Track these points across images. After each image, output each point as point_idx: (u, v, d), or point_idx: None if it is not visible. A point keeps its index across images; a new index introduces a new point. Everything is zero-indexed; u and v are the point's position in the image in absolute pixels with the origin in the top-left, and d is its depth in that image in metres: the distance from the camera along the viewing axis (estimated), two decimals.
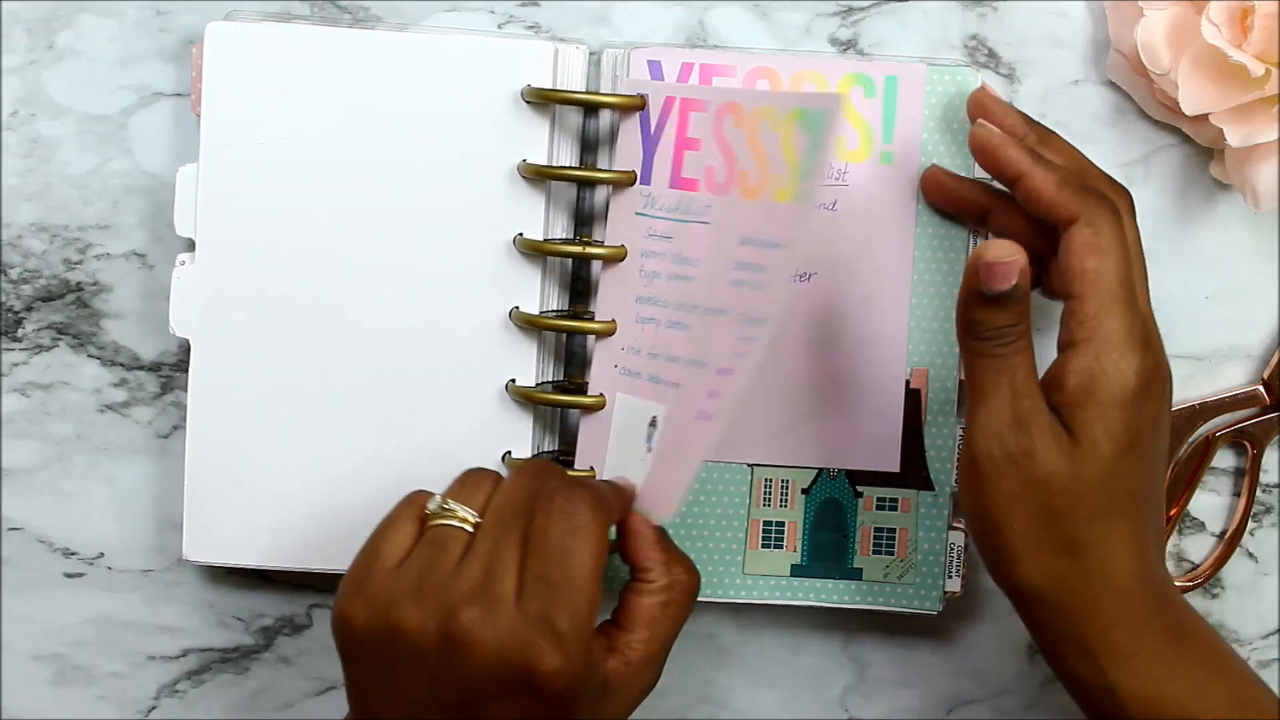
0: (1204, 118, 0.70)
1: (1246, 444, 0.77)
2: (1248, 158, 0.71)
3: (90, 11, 0.74)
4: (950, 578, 0.73)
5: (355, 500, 0.72)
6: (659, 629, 0.63)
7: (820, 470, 0.72)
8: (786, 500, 0.73)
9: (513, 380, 0.72)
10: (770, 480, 0.72)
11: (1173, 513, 0.77)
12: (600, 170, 0.72)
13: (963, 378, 0.65)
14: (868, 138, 0.71)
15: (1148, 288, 0.65)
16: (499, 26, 0.74)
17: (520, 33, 0.74)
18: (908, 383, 0.72)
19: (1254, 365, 0.76)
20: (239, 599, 0.77)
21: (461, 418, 0.72)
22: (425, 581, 0.60)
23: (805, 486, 0.72)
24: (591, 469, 0.71)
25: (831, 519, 0.73)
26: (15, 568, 0.77)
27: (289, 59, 0.71)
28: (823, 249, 0.71)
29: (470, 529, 0.62)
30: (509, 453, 0.72)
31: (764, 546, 0.73)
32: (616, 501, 0.65)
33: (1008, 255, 0.60)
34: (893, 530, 0.73)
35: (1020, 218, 0.68)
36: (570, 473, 0.69)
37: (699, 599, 0.72)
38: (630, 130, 0.69)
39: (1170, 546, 0.78)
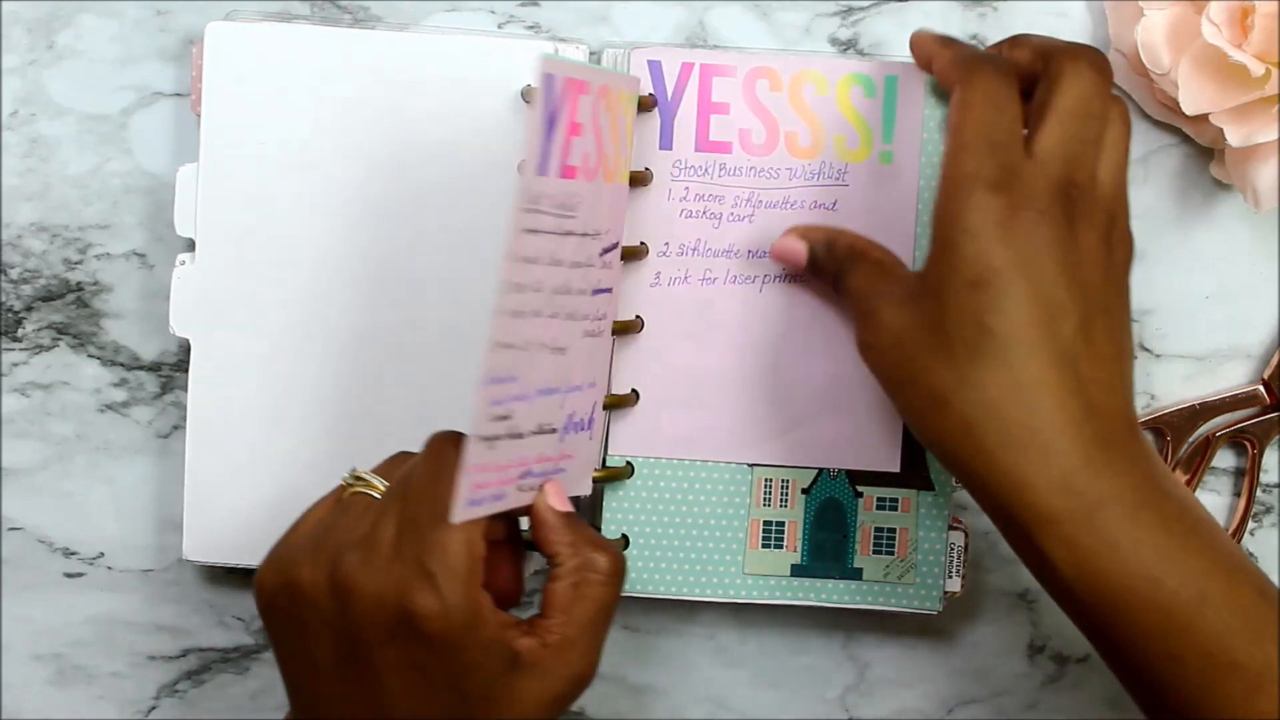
0: (1204, 118, 0.70)
1: (1246, 444, 0.77)
2: (1248, 158, 0.71)
3: (90, 11, 0.74)
4: (950, 577, 0.73)
5: None
6: (575, 612, 0.62)
7: (820, 470, 0.72)
8: (787, 500, 0.73)
9: None
10: (770, 480, 0.72)
11: None
12: None
13: None
14: (868, 138, 0.71)
15: (1090, 143, 0.63)
16: (499, 26, 0.74)
17: (520, 33, 0.74)
18: None
19: (1254, 365, 0.76)
20: (239, 599, 0.77)
21: (461, 417, 0.72)
22: (321, 540, 0.61)
23: (805, 486, 0.72)
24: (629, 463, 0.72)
25: (832, 519, 0.73)
26: (15, 568, 0.77)
27: (289, 59, 0.71)
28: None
29: (377, 495, 0.63)
30: None
31: (764, 546, 0.73)
32: None
33: (778, 248, 0.69)
34: (893, 530, 0.73)
35: None
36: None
37: (699, 599, 0.72)
38: (534, 118, 0.62)
39: None
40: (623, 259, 0.70)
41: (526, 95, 0.71)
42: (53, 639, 0.77)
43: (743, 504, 0.73)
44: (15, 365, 0.76)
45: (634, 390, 0.72)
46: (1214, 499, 0.78)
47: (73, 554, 0.77)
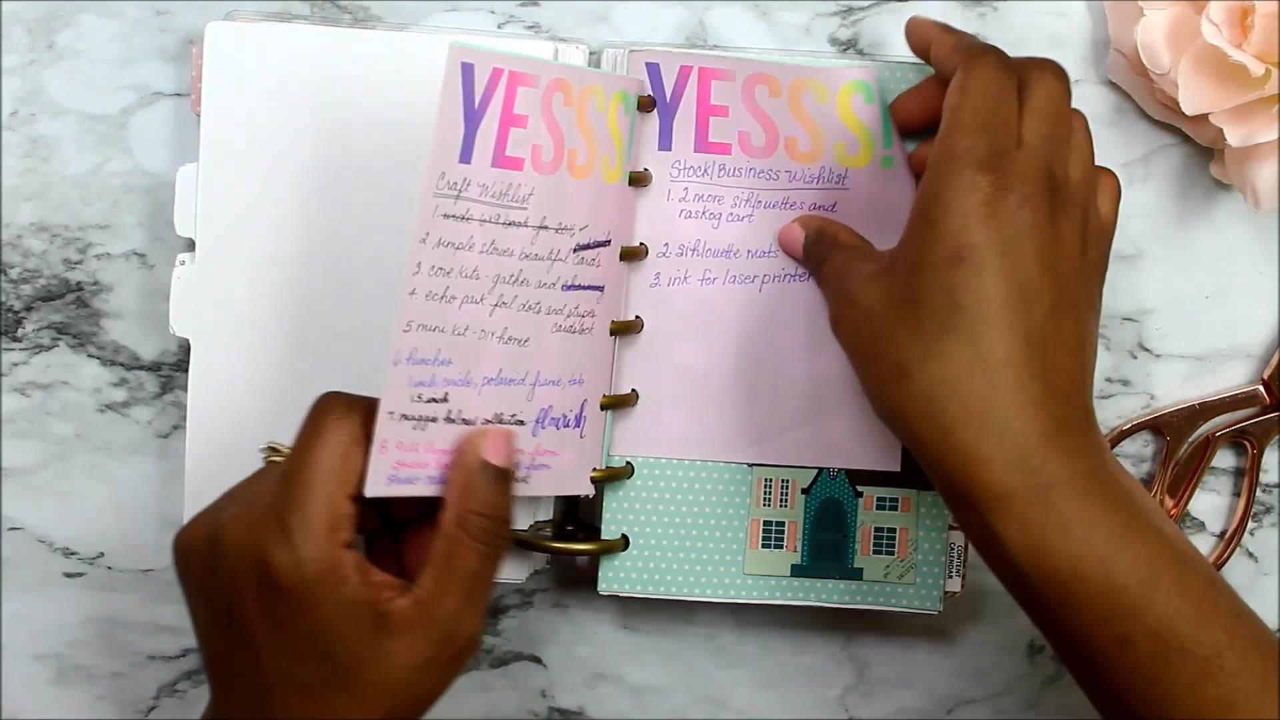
0: (1204, 118, 0.70)
1: (1246, 444, 0.77)
2: (1248, 158, 0.71)
3: (90, 11, 0.74)
4: (950, 577, 0.73)
5: None
6: (448, 570, 0.61)
7: (820, 470, 0.72)
8: (787, 500, 0.73)
9: None
10: (770, 480, 0.72)
11: (1173, 513, 0.77)
12: None
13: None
14: (868, 143, 0.70)
15: (1055, 141, 0.63)
16: (499, 26, 0.74)
17: (520, 33, 0.74)
18: None
19: (1254, 365, 0.76)
20: None
21: None
22: (217, 504, 0.63)
23: (805, 486, 0.72)
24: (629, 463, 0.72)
25: (832, 519, 0.73)
26: (15, 568, 0.77)
27: (289, 59, 0.71)
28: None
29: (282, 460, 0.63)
30: None
31: (764, 546, 0.73)
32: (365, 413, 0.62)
33: (787, 232, 0.70)
34: (893, 530, 0.73)
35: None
36: None
37: (699, 599, 0.72)
38: (450, 104, 0.61)
39: None
40: (622, 259, 0.70)
41: None
42: (53, 639, 0.77)
43: (743, 504, 0.72)
44: (15, 365, 0.76)
45: (634, 390, 0.72)
46: (1214, 499, 0.78)
47: (73, 554, 0.77)
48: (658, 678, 0.78)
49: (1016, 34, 0.75)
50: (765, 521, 0.73)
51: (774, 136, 0.70)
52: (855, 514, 0.73)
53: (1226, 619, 0.60)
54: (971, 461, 0.60)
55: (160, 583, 0.77)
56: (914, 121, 0.70)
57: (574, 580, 0.76)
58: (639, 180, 0.70)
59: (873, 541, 0.73)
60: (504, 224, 0.63)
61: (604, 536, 0.72)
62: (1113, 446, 0.76)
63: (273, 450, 0.64)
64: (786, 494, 0.72)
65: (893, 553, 0.73)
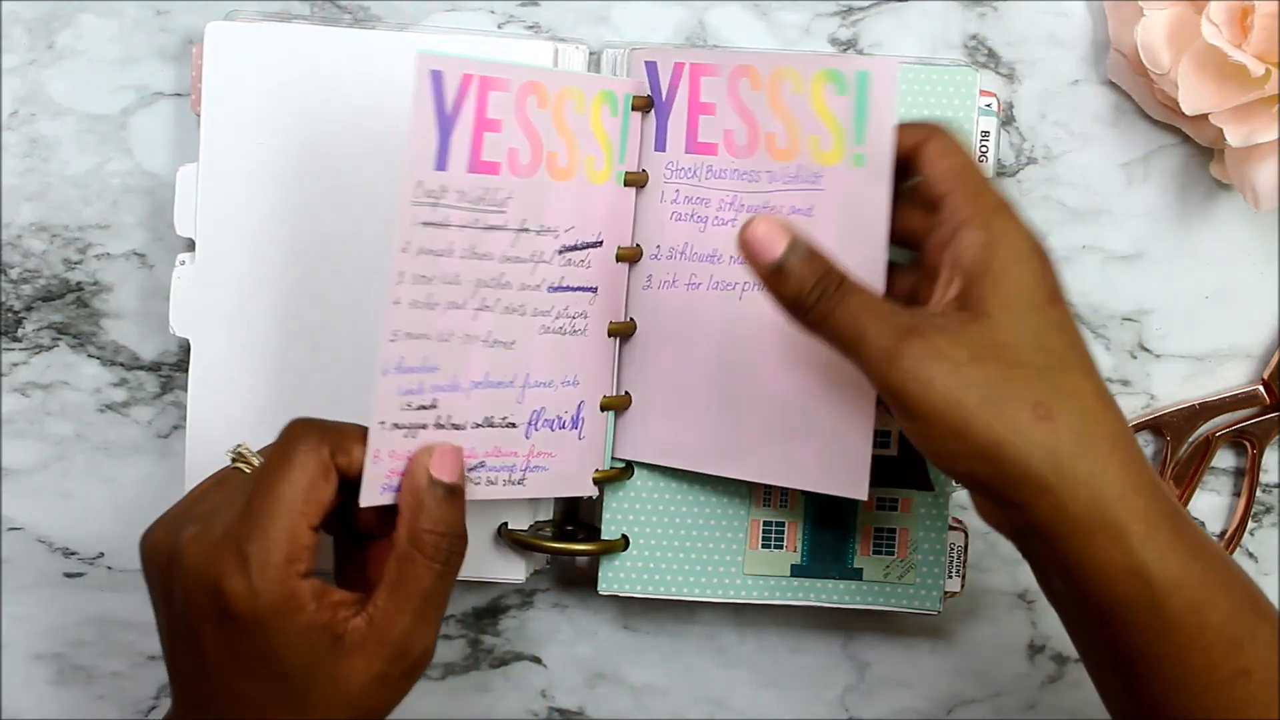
0: (1204, 118, 0.70)
1: (1246, 444, 0.77)
2: (1248, 158, 0.71)
3: (90, 11, 0.74)
4: (950, 577, 0.73)
5: None
6: (401, 587, 0.61)
7: None
8: (786, 501, 0.72)
9: None
10: None
11: None
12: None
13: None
14: (840, 139, 0.65)
15: None
16: (499, 26, 0.74)
17: (520, 33, 0.74)
18: None
19: (1254, 365, 0.76)
20: None
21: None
22: (184, 511, 0.63)
23: None
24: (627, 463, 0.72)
25: (832, 519, 0.73)
26: (15, 568, 0.77)
27: (288, 59, 0.71)
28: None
29: (249, 470, 0.63)
30: None
31: (764, 547, 0.73)
32: (353, 443, 0.62)
33: (762, 229, 0.60)
34: (893, 530, 0.73)
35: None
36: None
37: (699, 599, 0.72)
38: (422, 112, 0.61)
39: None
40: (618, 260, 0.69)
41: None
42: (53, 639, 0.77)
43: (743, 504, 0.72)
44: (15, 365, 0.76)
45: (626, 392, 0.72)
46: (1214, 499, 0.78)
47: (73, 554, 0.77)
48: (658, 678, 0.78)
49: (1016, 34, 0.75)
50: (765, 522, 0.73)
51: (755, 134, 0.68)
52: (855, 514, 0.73)
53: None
54: (1118, 487, 0.59)
55: None
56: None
57: (574, 580, 0.76)
58: (635, 181, 0.70)
59: (873, 542, 0.73)
60: (483, 228, 0.63)
61: (604, 537, 0.72)
62: None
63: (239, 456, 0.64)
64: (786, 494, 0.72)
65: (893, 553, 0.73)
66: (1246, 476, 0.77)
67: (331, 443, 0.61)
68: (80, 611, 0.77)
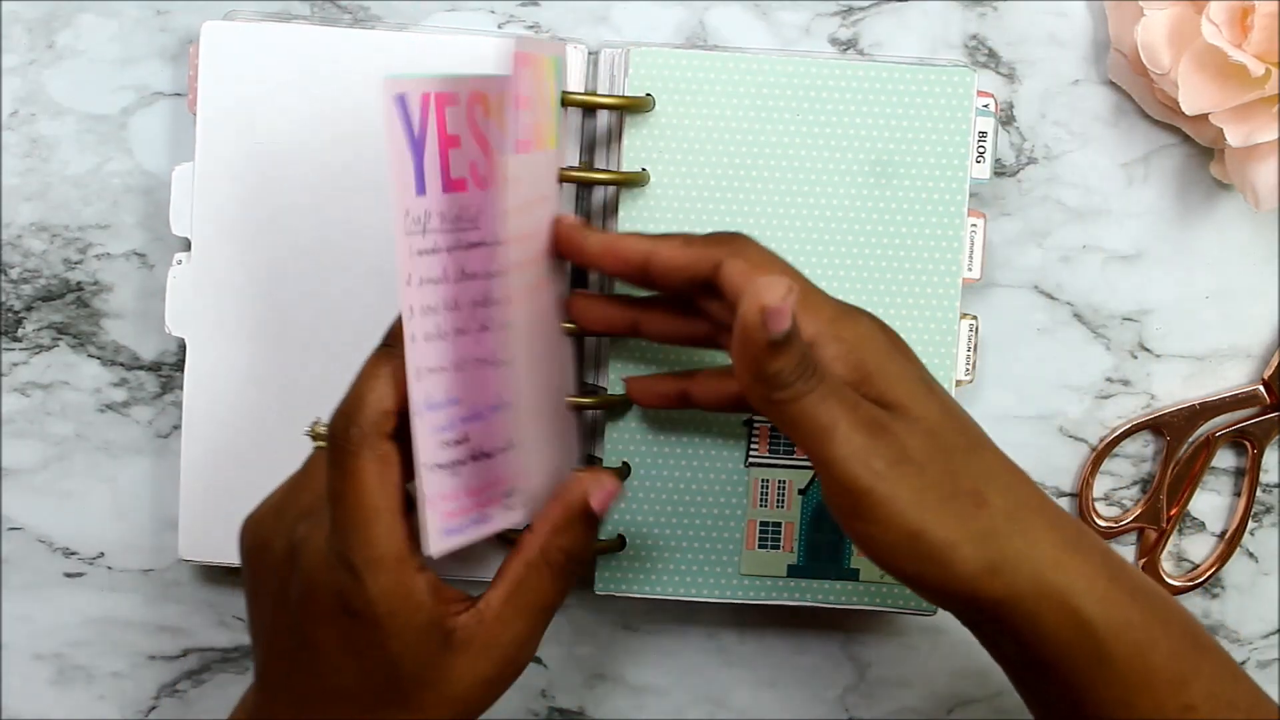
0: (1204, 118, 0.70)
1: (1246, 444, 0.77)
2: (1248, 158, 0.71)
3: (90, 11, 0.74)
4: None
5: None
6: (518, 592, 0.61)
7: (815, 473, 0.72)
8: (783, 501, 0.73)
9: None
10: (767, 481, 0.72)
11: (1173, 513, 0.77)
12: (600, 170, 0.72)
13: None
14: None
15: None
16: (499, 26, 0.74)
17: (520, 33, 0.74)
18: None
19: (1254, 365, 0.76)
20: (239, 599, 0.77)
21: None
22: (284, 505, 0.63)
23: (802, 487, 0.72)
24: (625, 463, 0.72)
25: (829, 520, 0.73)
26: (15, 568, 0.77)
27: (286, 59, 0.71)
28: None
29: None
30: None
31: (760, 547, 0.73)
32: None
33: (782, 292, 0.55)
34: None
35: (671, 316, 0.66)
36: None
37: (695, 599, 0.72)
38: (396, 138, 0.59)
39: (1170, 546, 0.78)
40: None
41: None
42: (53, 639, 0.77)
43: (739, 505, 0.72)
44: (15, 365, 0.76)
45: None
46: (1214, 499, 0.78)
47: (73, 554, 0.77)
48: (658, 678, 0.78)
49: (1016, 34, 0.75)
50: (762, 522, 0.73)
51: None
52: None
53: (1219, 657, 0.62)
54: (1052, 551, 0.60)
55: (160, 583, 0.77)
56: (590, 328, 0.68)
57: None
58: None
59: None
60: (465, 247, 0.62)
61: (601, 537, 0.72)
62: (1113, 447, 0.76)
63: (318, 435, 0.63)
64: (783, 495, 0.72)
65: None
66: (1246, 476, 0.77)
67: (378, 432, 0.60)
68: (80, 611, 0.77)
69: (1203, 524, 0.78)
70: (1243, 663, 0.78)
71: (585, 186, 0.73)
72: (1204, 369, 0.76)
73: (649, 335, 0.67)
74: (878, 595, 0.73)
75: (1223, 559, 0.77)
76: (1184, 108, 0.70)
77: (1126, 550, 0.78)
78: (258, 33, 0.71)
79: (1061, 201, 0.75)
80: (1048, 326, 0.76)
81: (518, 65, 0.60)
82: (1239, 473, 0.77)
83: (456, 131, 0.60)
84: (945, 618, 0.76)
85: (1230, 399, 0.76)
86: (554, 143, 0.66)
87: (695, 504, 0.72)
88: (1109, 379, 0.76)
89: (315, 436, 0.64)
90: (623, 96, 0.71)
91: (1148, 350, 0.76)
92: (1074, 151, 0.75)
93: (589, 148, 0.73)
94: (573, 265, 0.72)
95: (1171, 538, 0.77)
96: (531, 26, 0.74)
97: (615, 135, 0.72)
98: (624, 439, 0.72)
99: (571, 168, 0.72)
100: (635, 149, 0.71)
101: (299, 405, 0.72)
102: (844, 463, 0.58)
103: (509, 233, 0.61)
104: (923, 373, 0.62)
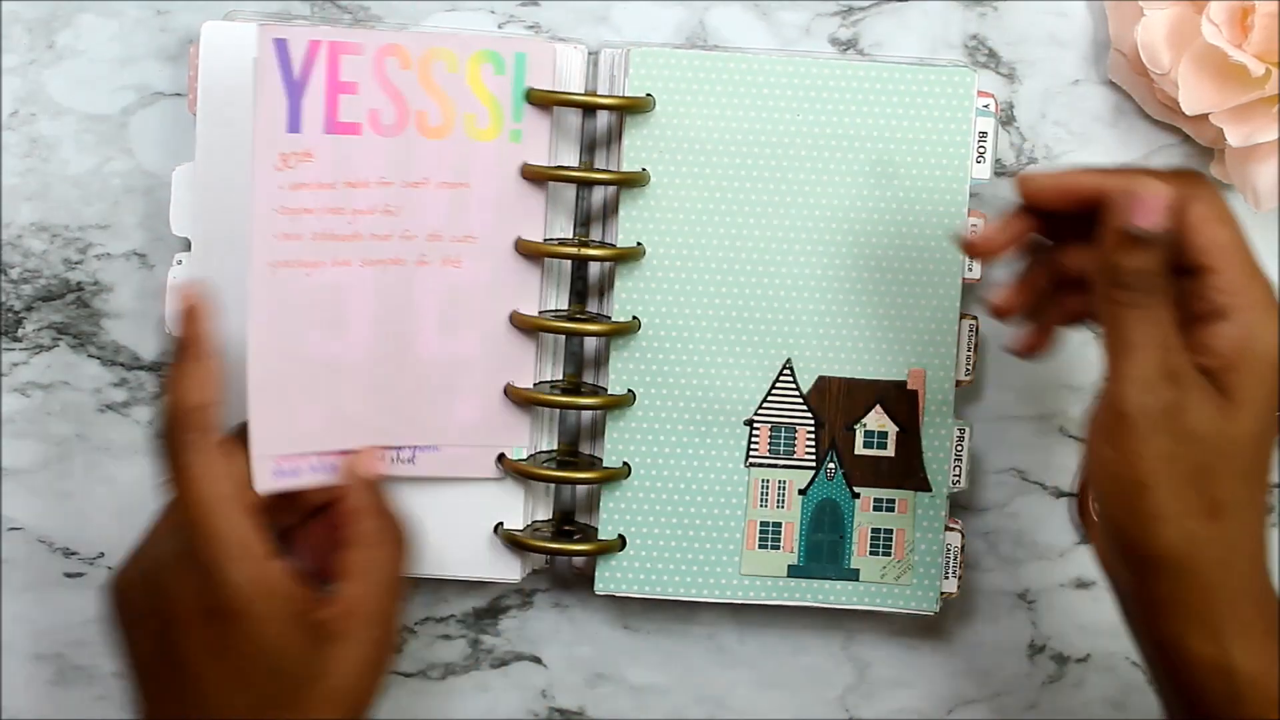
0: (1204, 118, 0.70)
1: None
2: (1248, 158, 0.71)
3: (90, 11, 0.74)
4: (947, 578, 0.73)
5: None
6: (371, 577, 0.63)
7: (817, 470, 0.72)
8: (784, 501, 0.73)
9: (510, 382, 0.72)
10: (767, 481, 0.72)
11: None
12: (599, 170, 0.72)
13: (1104, 337, 0.61)
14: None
15: None
16: (499, 26, 0.74)
17: (520, 33, 0.74)
18: (903, 384, 0.72)
19: None
20: None
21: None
22: (143, 546, 0.65)
23: (802, 487, 0.72)
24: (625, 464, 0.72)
25: (829, 520, 0.73)
26: (15, 568, 0.77)
27: None
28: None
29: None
30: (503, 455, 0.72)
31: (761, 547, 0.73)
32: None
33: (1157, 191, 0.59)
34: (890, 531, 0.73)
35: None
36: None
37: (696, 599, 0.72)
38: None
39: None
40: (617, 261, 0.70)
41: (530, 97, 0.70)
42: (53, 639, 0.77)
43: (740, 505, 0.72)
44: (15, 365, 0.76)
45: (630, 391, 0.72)
46: None
47: (73, 554, 0.77)
48: (658, 678, 0.78)
49: (1016, 34, 0.75)
50: (762, 522, 0.73)
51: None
52: (852, 515, 0.73)
53: None
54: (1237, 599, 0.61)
55: None
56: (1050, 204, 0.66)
57: (573, 580, 0.76)
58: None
59: (869, 542, 0.73)
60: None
61: (601, 537, 0.72)
62: None
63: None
64: (784, 495, 0.72)
65: (890, 554, 0.73)
66: None
67: (195, 428, 0.62)
68: (80, 611, 0.77)
69: None
70: None
71: (585, 186, 0.73)
72: None
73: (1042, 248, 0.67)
74: (878, 595, 0.73)
75: None
76: (1184, 108, 0.70)
77: None
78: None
79: None
80: None
81: (335, 52, 0.66)
82: None
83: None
84: (945, 618, 0.76)
85: None
86: (486, 135, 0.70)
87: (695, 504, 0.72)
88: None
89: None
90: (623, 96, 0.71)
91: None
92: (1074, 151, 0.75)
93: (589, 148, 0.73)
94: (574, 270, 0.73)
95: None
96: (531, 27, 0.74)
97: (615, 135, 0.72)
98: (624, 439, 0.72)
99: (571, 168, 0.72)
100: (635, 149, 0.71)
101: None
102: (1126, 382, 0.59)
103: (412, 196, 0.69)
104: (1273, 401, 0.61)
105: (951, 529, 0.73)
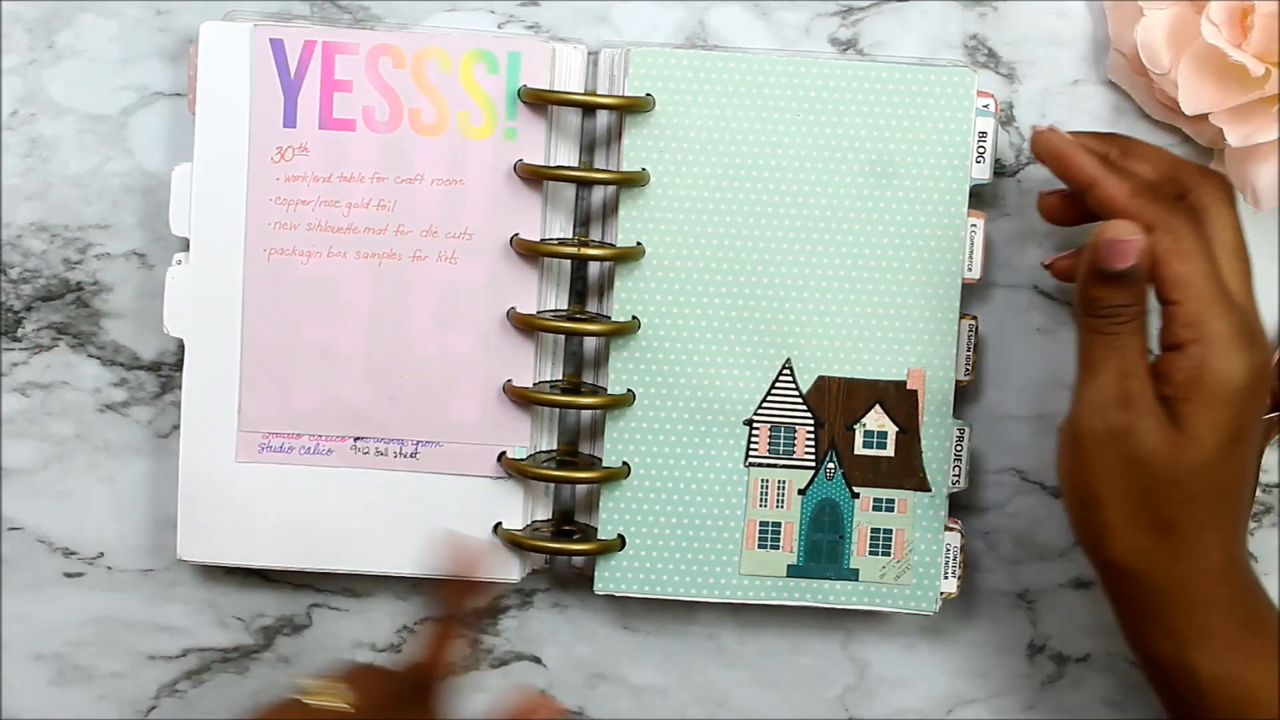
0: (1204, 118, 0.70)
1: None
2: (1248, 158, 0.71)
3: (90, 11, 0.74)
4: (946, 578, 0.73)
5: (350, 500, 0.72)
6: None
7: (816, 470, 0.72)
8: (783, 501, 0.73)
9: (510, 381, 0.72)
10: (767, 481, 0.72)
11: None
12: (598, 170, 0.72)
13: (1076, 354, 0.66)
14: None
15: (1250, 277, 0.66)
16: (499, 26, 0.74)
17: (520, 33, 0.74)
18: (903, 384, 0.72)
19: None
20: (239, 599, 0.77)
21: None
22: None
23: (802, 487, 0.72)
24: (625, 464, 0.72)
25: (828, 520, 0.73)
26: (15, 568, 0.77)
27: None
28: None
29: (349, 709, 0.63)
30: (504, 454, 0.72)
31: (760, 547, 0.73)
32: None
33: (1128, 234, 0.62)
34: (889, 531, 0.73)
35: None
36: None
37: (695, 599, 0.72)
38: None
39: None
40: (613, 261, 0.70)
41: (524, 95, 0.70)
42: (53, 639, 0.77)
43: (739, 505, 0.72)
44: (15, 365, 0.76)
45: (630, 391, 0.72)
46: None
47: (72, 554, 0.77)
48: (658, 678, 0.78)
49: (1016, 34, 0.74)
50: (762, 522, 0.73)
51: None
52: (852, 515, 0.73)
53: None
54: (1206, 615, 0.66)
55: (159, 583, 0.77)
56: (1062, 217, 0.71)
57: (573, 580, 0.76)
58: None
59: (869, 542, 0.73)
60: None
61: (601, 537, 0.72)
62: None
63: (317, 692, 0.63)
64: (783, 495, 0.72)
65: (889, 554, 0.73)
66: None
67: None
68: (80, 611, 0.77)
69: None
70: None
71: (585, 186, 0.73)
72: None
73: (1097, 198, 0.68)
74: (878, 595, 0.73)
75: None
76: (1184, 108, 0.70)
77: None
78: (255, 33, 0.71)
79: None
80: (1048, 326, 0.76)
81: (329, 51, 0.70)
82: None
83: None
84: (945, 618, 0.76)
85: None
86: (480, 133, 0.71)
87: (695, 504, 0.72)
88: None
89: (313, 694, 0.63)
90: (623, 96, 0.71)
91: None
92: None
93: (589, 148, 0.73)
94: (574, 269, 0.73)
95: None
96: (531, 27, 0.74)
97: (615, 135, 0.72)
98: (624, 439, 0.72)
99: (571, 167, 0.72)
100: (635, 149, 0.71)
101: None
102: (1083, 403, 0.64)
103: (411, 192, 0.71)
104: (1245, 425, 0.64)
105: (951, 529, 0.73)
